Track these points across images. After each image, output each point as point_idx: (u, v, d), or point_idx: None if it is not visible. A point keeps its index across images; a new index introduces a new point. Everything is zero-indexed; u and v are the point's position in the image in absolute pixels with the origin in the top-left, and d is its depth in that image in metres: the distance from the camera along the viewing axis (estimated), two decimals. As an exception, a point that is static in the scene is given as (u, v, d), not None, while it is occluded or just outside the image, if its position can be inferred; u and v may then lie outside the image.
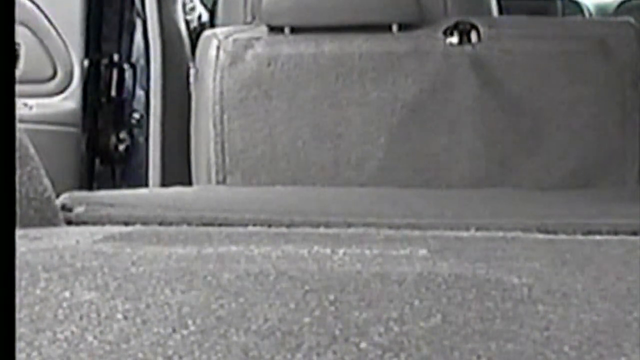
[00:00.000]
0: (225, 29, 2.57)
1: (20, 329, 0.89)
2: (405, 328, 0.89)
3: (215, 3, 2.97)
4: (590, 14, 5.69)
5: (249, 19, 2.66)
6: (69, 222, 1.73)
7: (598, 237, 1.53)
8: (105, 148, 2.67)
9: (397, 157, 2.41)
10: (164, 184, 2.60)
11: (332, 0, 2.50)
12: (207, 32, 2.59)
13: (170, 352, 0.82)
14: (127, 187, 2.68)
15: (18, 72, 2.56)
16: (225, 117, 2.46)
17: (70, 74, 2.60)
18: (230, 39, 2.51)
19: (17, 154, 1.57)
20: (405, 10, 2.45)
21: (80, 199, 1.84)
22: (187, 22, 2.79)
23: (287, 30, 2.49)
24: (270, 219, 1.70)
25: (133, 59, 2.69)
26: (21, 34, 2.56)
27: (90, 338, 0.87)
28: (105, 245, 1.39)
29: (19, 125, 1.55)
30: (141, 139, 2.68)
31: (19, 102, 2.51)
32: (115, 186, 2.71)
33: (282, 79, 2.45)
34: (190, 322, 0.91)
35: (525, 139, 2.39)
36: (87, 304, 0.99)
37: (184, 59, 2.71)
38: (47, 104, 2.61)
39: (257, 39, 2.50)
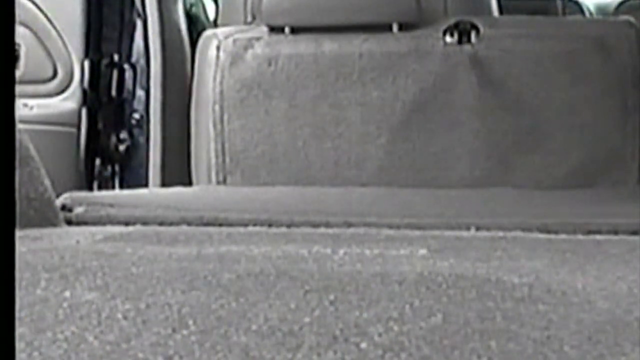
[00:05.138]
0: (225, 29, 2.57)
1: (20, 329, 0.89)
2: (406, 328, 0.89)
3: (215, 3, 2.97)
4: (591, 14, 5.69)
5: (249, 19, 2.66)
6: (69, 223, 1.73)
7: (598, 237, 1.53)
8: (105, 148, 2.68)
9: (397, 157, 2.41)
10: (164, 184, 2.60)
11: (332, 0, 2.50)
12: (207, 32, 2.59)
13: (170, 352, 0.83)
14: (128, 187, 2.69)
15: (18, 73, 2.56)
16: (225, 117, 2.46)
17: (70, 75, 2.60)
18: (231, 39, 2.51)
19: (18, 155, 1.57)
20: (405, 10, 2.45)
21: (80, 199, 1.84)
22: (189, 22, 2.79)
23: (287, 30, 2.49)
24: (270, 219, 1.70)
25: (133, 59, 2.69)
26: (21, 34, 2.56)
27: (90, 338, 0.87)
28: (105, 245, 1.39)
29: (19, 126, 1.55)
30: (141, 139, 2.68)
31: (19, 103, 2.52)
32: (115, 186, 2.71)
33: (282, 79, 2.45)
34: (190, 322, 0.92)
35: (525, 139, 2.39)
36: (88, 304, 0.99)
37: (184, 59, 2.71)
38: (47, 104, 2.61)
39: (257, 39, 2.50)
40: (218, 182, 2.46)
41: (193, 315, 0.94)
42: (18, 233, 1.41)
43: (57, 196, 1.75)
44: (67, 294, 1.04)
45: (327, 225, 1.66)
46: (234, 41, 2.50)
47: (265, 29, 2.51)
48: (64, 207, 1.78)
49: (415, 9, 2.44)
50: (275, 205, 1.98)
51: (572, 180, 2.36)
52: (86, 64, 2.61)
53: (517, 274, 1.14)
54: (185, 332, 0.88)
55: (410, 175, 2.40)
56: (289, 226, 1.67)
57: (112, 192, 2.61)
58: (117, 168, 2.72)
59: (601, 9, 5.86)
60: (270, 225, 1.67)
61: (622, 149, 2.37)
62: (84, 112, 2.62)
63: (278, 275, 1.13)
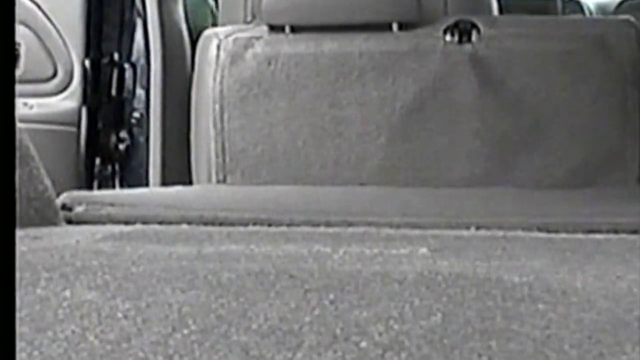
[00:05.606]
0: (225, 29, 2.57)
1: (20, 328, 0.89)
2: (406, 327, 0.89)
3: (215, 3, 2.97)
4: (591, 13, 5.69)
5: (249, 18, 2.66)
6: (69, 222, 1.74)
7: (598, 236, 1.53)
8: (105, 147, 2.68)
9: (397, 156, 2.41)
10: (164, 183, 2.60)
11: None
12: (208, 32, 2.59)
13: (170, 352, 0.83)
14: (128, 186, 2.69)
15: (18, 72, 2.56)
16: (225, 116, 2.46)
17: (70, 74, 2.60)
18: (231, 38, 2.51)
19: (18, 154, 1.57)
20: (406, 10, 2.45)
21: (80, 199, 1.84)
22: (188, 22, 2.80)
23: (287, 29, 2.49)
24: (270, 218, 1.70)
25: (133, 59, 2.69)
26: (22, 33, 2.56)
27: (90, 337, 0.87)
28: (105, 244, 1.39)
29: (19, 125, 1.55)
30: (141, 139, 2.68)
31: (19, 102, 2.52)
32: (115, 185, 2.71)
33: (282, 78, 2.45)
34: (190, 321, 0.92)
35: (525, 138, 2.39)
36: (88, 303, 0.99)
37: (184, 58, 2.71)
38: (47, 103, 2.61)
39: (258, 38, 2.50)
40: (218, 181, 2.46)
41: (193, 314, 0.94)
42: (18, 232, 1.41)
43: (57, 195, 1.76)
44: (67, 293, 1.04)
45: (327, 224, 1.66)
46: (234, 40, 2.50)
47: (265, 28, 2.51)
48: (64, 206, 1.78)
49: (416, 8, 2.44)
50: (275, 205, 1.98)
51: (572, 180, 2.36)
52: (86, 63, 2.61)
53: (517, 273, 1.14)
54: (185, 331, 0.88)
55: (410, 175, 2.40)
56: (289, 225, 1.67)
57: (112, 191, 2.61)
58: (117, 167, 2.72)
59: (601, 8, 5.86)
60: (270, 225, 1.68)
61: (622, 148, 2.37)
62: (84, 111, 2.62)
63: (278, 274, 1.13)
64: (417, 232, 1.56)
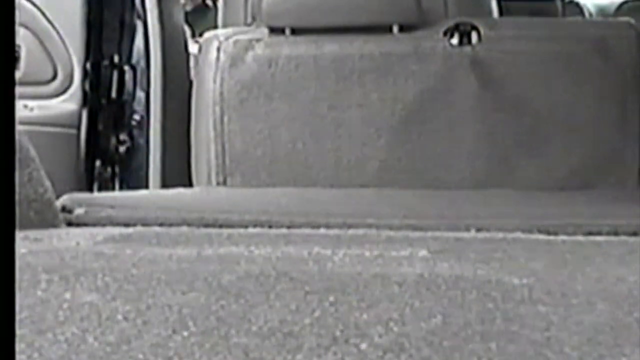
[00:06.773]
0: (225, 31, 2.57)
1: (20, 330, 0.89)
2: (406, 329, 0.89)
3: (215, 4, 2.98)
4: (591, 15, 5.70)
5: (249, 20, 2.66)
6: (70, 224, 1.74)
7: (598, 238, 1.53)
8: (105, 149, 2.68)
9: (397, 158, 2.41)
10: (165, 185, 2.60)
11: (333, 1, 2.50)
12: (208, 34, 2.59)
13: (170, 354, 0.83)
14: (128, 188, 2.69)
15: (18, 74, 2.56)
16: (225, 118, 2.46)
17: (70, 76, 2.60)
18: (231, 40, 2.51)
19: (18, 156, 1.57)
20: (406, 11, 2.45)
21: (80, 201, 1.84)
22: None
23: (287, 31, 2.49)
24: (270, 220, 1.70)
25: (133, 61, 2.69)
26: (22, 35, 2.56)
27: (90, 339, 0.87)
28: (105, 246, 1.39)
29: (19, 127, 1.55)
30: (141, 141, 2.68)
31: (19, 104, 2.52)
32: (115, 188, 2.71)
33: (282, 80, 2.45)
34: (190, 323, 0.92)
35: (526, 140, 2.39)
36: (88, 305, 0.99)
37: (184, 60, 2.71)
38: (47, 105, 2.61)
39: (258, 40, 2.50)
40: (218, 184, 2.46)
41: (193, 316, 0.94)
42: (18, 234, 1.41)
43: (57, 197, 1.76)
44: (68, 295, 1.04)
45: (327, 226, 1.66)
46: (235, 42, 2.50)
47: (265, 30, 2.51)
48: (64, 209, 1.78)
49: (416, 10, 2.44)
50: (275, 207, 1.98)
51: (572, 182, 2.36)
52: (87, 65, 2.61)
53: (517, 275, 1.14)
54: (185, 333, 0.88)
55: (410, 177, 2.40)
56: (289, 227, 1.67)
57: (112, 193, 2.61)
58: (117, 169, 2.72)
59: (601, 10, 5.87)
60: (270, 227, 1.68)
61: (622, 150, 2.37)
62: (84, 113, 2.62)
63: (278, 276, 1.13)
64: (417, 234, 1.56)
